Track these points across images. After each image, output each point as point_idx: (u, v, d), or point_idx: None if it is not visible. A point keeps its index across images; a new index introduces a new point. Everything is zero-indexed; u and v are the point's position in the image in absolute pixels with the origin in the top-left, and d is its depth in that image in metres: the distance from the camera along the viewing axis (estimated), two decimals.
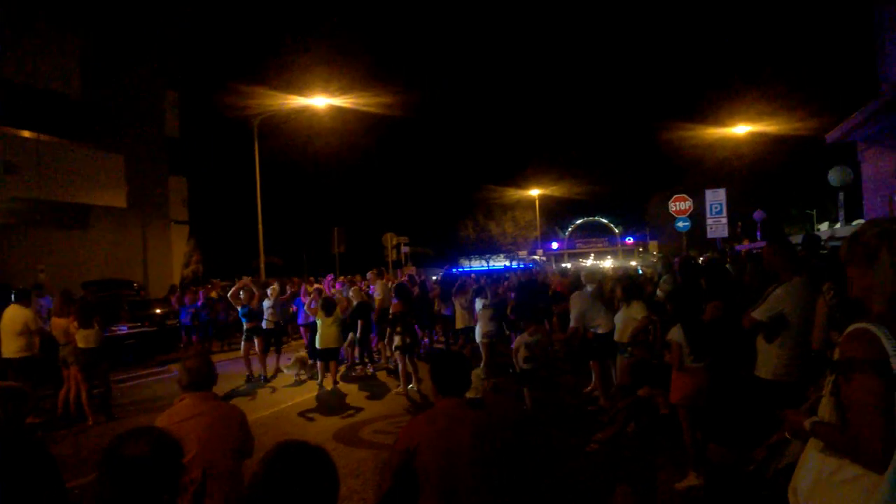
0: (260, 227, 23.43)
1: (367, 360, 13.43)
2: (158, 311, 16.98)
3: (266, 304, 12.63)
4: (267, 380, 12.12)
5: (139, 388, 12.31)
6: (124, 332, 14.97)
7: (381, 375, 12.34)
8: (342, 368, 12.59)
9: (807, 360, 4.42)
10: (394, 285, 12.40)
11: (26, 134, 18.63)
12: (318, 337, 11.11)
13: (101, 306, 10.62)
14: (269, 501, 2.03)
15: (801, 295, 4.68)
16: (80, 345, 9.40)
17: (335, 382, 11.07)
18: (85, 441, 8.33)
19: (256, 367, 12.29)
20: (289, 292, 16.31)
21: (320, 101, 23.72)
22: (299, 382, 11.81)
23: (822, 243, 8.36)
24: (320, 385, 11.07)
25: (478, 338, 11.47)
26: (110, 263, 21.88)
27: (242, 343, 12.44)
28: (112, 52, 22.14)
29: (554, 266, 35.70)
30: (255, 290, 12.51)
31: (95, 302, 10.78)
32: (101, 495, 2.10)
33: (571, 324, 9.14)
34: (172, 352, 15.72)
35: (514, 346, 9.05)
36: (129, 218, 23.48)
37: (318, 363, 11.30)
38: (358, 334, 13.02)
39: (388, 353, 12.71)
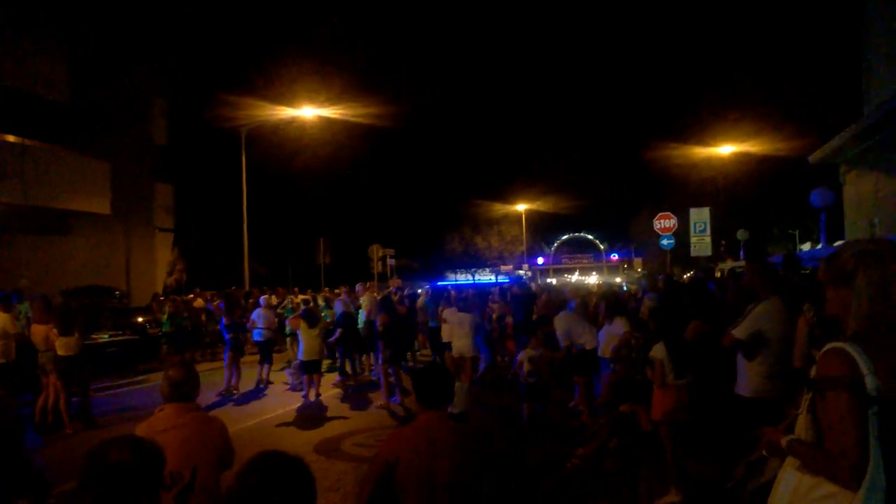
0: (245, 236, 23.30)
1: (349, 372, 13.36)
2: (140, 319, 16.81)
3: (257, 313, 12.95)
4: (264, 387, 12.26)
5: (119, 396, 12.16)
6: (105, 340, 14.80)
7: (365, 388, 12.28)
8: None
9: (787, 378, 4.47)
10: (380, 298, 12.41)
11: (11, 139, 18.44)
12: (301, 349, 11.06)
13: (82, 314, 10.52)
14: None
15: (779, 313, 4.75)
16: (60, 352, 9.28)
17: (318, 395, 11.02)
18: (63, 449, 8.21)
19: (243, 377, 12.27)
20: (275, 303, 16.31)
21: (308, 111, 23.74)
22: (292, 387, 11.94)
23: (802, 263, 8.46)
24: (304, 396, 11.02)
25: (458, 352, 10.97)
26: (93, 270, 21.57)
27: (225, 354, 12.38)
28: (100, 58, 21.98)
29: (538, 281, 35.77)
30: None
31: (76, 309, 10.68)
32: (83, 502, 2.08)
33: (560, 343, 9.15)
34: (154, 361, 15.56)
35: (518, 359, 9.02)
36: (114, 225, 23.22)
37: (303, 375, 11.26)
38: (332, 339, 12.98)
39: (373, 366, 12.64)
